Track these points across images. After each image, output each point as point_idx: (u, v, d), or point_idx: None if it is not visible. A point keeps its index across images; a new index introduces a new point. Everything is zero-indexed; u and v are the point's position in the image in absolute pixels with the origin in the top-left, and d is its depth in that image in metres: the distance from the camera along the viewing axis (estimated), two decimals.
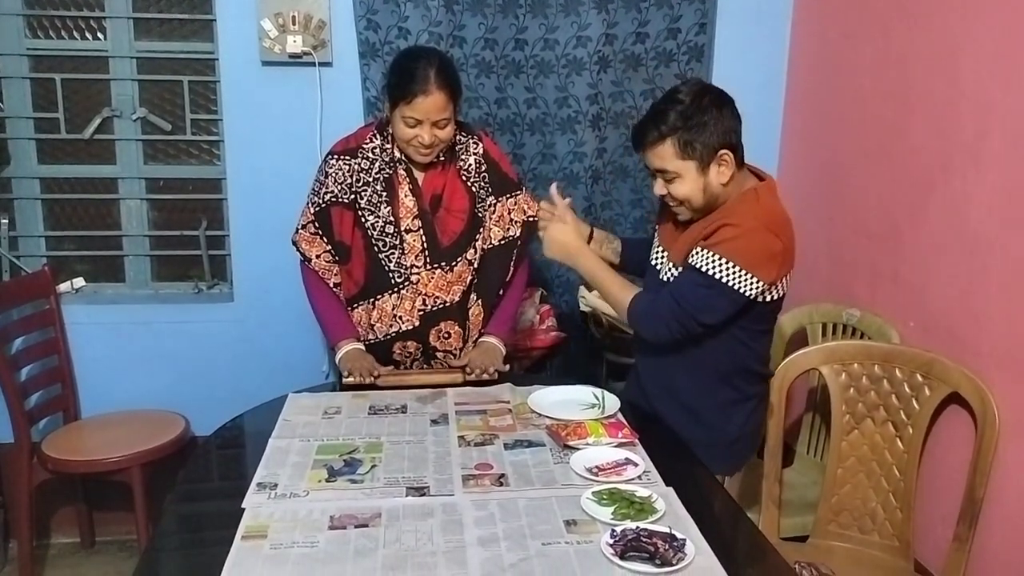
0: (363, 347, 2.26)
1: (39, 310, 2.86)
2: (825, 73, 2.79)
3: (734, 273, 1.83)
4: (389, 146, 2.20)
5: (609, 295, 2.01)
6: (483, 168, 2.27)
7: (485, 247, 2.29)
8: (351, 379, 2.16)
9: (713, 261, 1.84)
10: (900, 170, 2.36)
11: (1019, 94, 1.91)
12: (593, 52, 2.86)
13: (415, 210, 2.21)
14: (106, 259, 3.09)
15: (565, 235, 1.98)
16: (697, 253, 1.87)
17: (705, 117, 1.82)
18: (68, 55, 2.92)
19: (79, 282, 3.03)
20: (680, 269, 1.94)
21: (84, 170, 3.00)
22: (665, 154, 1.84)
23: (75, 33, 2.91)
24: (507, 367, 2.29)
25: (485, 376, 2.18)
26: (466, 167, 2.25)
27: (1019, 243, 1.91)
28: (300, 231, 2.27)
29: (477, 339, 2.32)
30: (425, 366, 2.31)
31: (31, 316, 2.84)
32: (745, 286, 1.83)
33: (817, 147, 2.85)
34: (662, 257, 2.05)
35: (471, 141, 2.27)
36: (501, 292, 2.34)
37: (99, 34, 2.90)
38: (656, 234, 2.13)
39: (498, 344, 2.30)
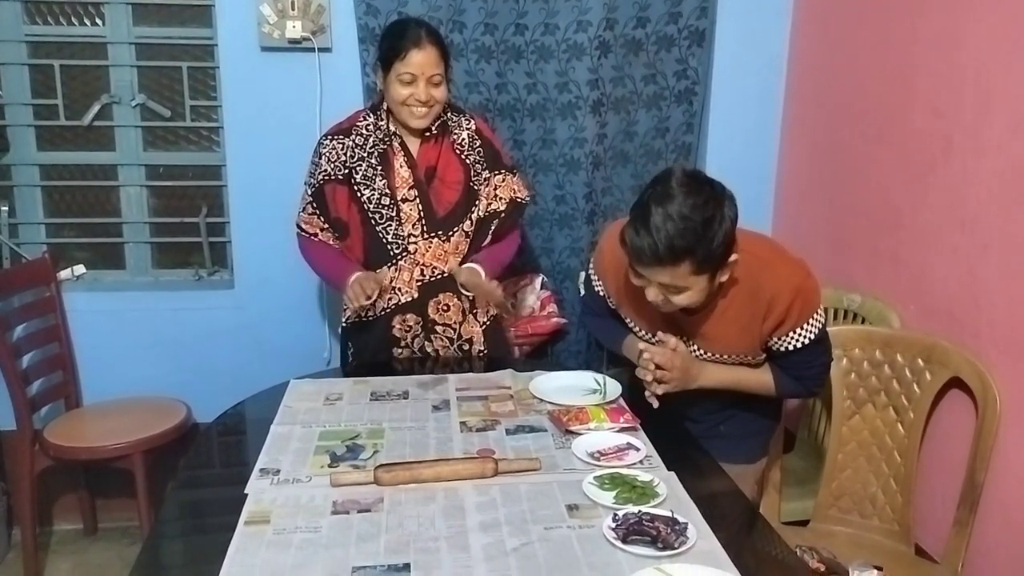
0: (363, 272, 2.22)
1: (40, 297, 2.85)
2: (826, 56, 2.78)
3: (822, 316, 1.82)
4: (383, 123, 2.26)
5: (752, 390, 1.92)
6: (477, 144, 2.32)
7: (475, 218, 2.32)
8: (353, 308, 2.19)
9: (812, 327, 1.80)
10: (900, 153, 2.36)
11: (1020, 77, 1.90)
12: (594, 37, 2.84)
13: (410, 180, 2.26)
14: (106, 246, 3.08)
15: (686, 374, 1.82)
16: (796, 335, 1.80)
17: (712, 230, 1.60)
18: (67, 41, 2.90)
19: (79, 269, 3.03)
20: (728, 357, 1.88)
21: (83, 157, 2.99)
22: (678, 274, 1.63)
23: (73, 19, 2.89)
24: (496, 285, 2.25)
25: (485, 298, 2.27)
26: (459, 141, 2.30)
27: (1020, 226, 1.90)
28: (301, 213, 2.34)
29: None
30: (426, 342, 2.32)
31: (32, 303, 2.83)
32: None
33: (818, 130, 2.84)
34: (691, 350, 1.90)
35: (463, 119, 2.33)
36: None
37: (97, 20, 2.88)
38: (637, 327, 1.97)
39: (479, 268, 2.25)
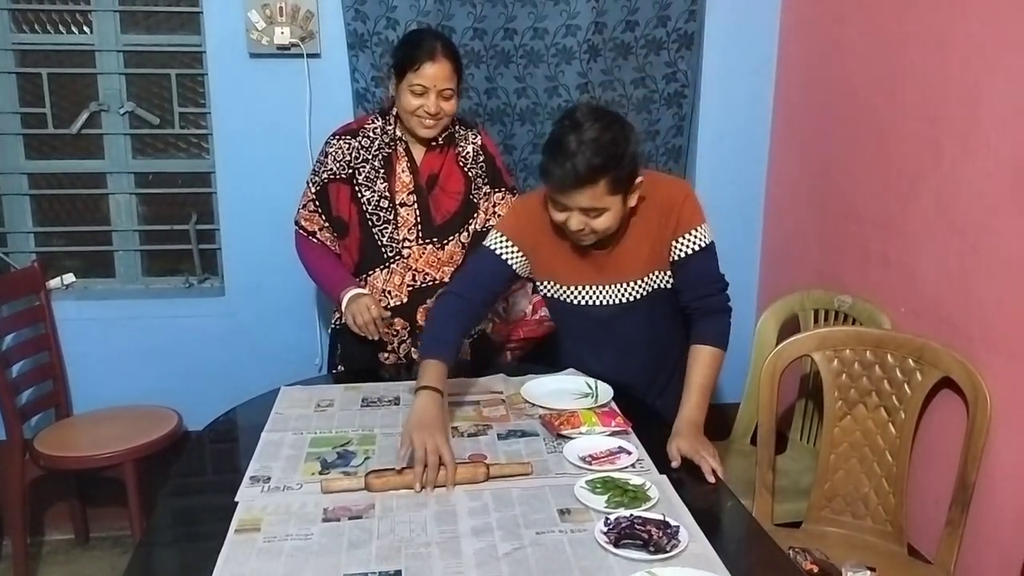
0: (367, 292, 2.25)
1: (29, 306, 2.84)
2: (815, 59, 2.79)
3: (708, 227, 2.00)
4: (391, 127, 2.28)
5: (713, 378, 1.94)
6: (480, 158, 2.34)
7: (472, 230, 2.33)
8: (356, 329, 2.21)
9: (704, 231, 1.98)
10: (891, 156, 2.36)
11: (1008, 79, 1.91)
12: (583, 41, 2.85)
13: (411, 185, 2.28)
14: (96, 254, 3.07)
15: (692, 445, 1.74)
16: (687, 240, 1.97)
17: (621, 148, 1.80)
18: (54, 49, 2.90)
19: (69, 278, 3.02)
20: (646, 279, 2.02)
21: (72, 165, 2.98)
22: (596, 193, 1.80)
23: (61, 27, 2.88)
24: None
25: None
26: (464, 153, 2.32)
27: (1009, 227, 1.91)
28: (301, 210, 2.35)
29: None
30: (412, 348, 2.32)
31: (21, 312, 2.82)
32: None
33: (807, 133, 2.85)
34: (605, 288, 2.06)
35: (470, 133, 2.35)
36: None
37: (85, 28, 2.88)
38: (556, 284, 2.13)
39: None
